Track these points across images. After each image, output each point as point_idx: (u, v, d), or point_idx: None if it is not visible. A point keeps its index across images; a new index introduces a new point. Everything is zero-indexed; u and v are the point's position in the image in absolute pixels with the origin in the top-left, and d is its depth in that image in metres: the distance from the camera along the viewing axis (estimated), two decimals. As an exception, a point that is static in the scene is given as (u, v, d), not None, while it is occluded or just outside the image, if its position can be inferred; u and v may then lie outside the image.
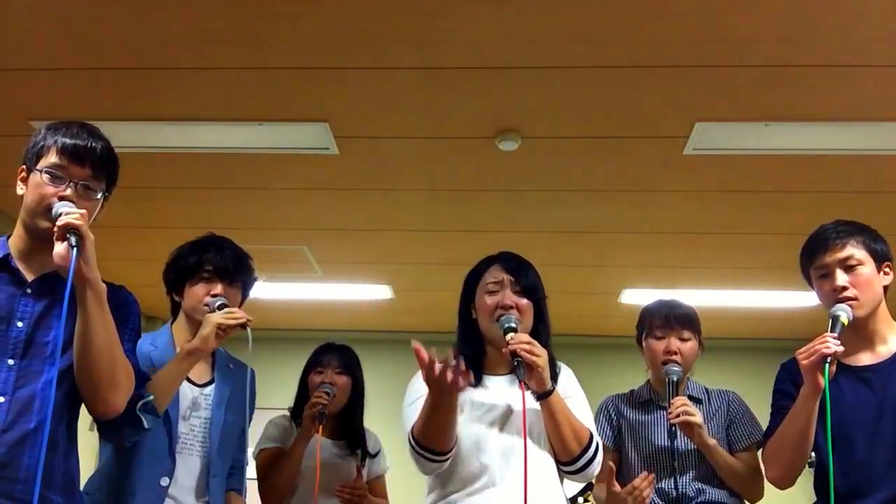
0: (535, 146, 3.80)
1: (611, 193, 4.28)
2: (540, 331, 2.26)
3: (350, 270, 5.60)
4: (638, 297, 5.75)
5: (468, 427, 2.19)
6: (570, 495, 4.54)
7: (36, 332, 1.85)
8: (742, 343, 6.64)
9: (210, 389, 2.49)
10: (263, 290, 5.72)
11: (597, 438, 2.19)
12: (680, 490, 2.54)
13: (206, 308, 2.39)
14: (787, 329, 6.25)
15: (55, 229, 1.77)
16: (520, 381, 2.07)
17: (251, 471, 2.77)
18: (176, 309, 2.53)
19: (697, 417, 2.49)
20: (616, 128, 3.64)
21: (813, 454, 2.24)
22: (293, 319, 6.56)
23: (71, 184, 1.87)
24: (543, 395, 2.12)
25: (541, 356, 2.08)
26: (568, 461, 2.15)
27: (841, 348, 2.08)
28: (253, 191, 4.35)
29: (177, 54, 3.16)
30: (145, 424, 2.04)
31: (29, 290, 1.87)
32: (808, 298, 5.81)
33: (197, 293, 2.43)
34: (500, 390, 2.25)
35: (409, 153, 3.92)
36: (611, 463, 2.44)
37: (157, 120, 3.63)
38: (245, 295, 2.58)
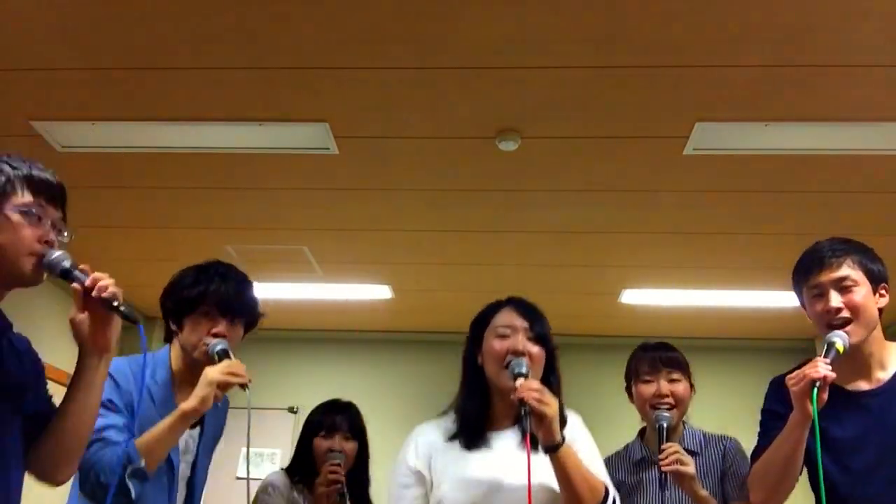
0: (535, 146, 3.80)
1: (611, 193, 4.28)
2: (551, 381, 2.13)
3: (350, 270, 5.60)
4: (638, 297, 5.76)
5: (469, 498, 2.04)
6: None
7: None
8: (742, 343, 6.64)
9: (196, 432, 2.32)
10: (264, 290, 5.72)
11: (613, 492, 2.03)
12: None
13: (205, 348, 2.20)
14: (787, 329, 6.25)
15: (90, 293, 1.66)
16: (525, 434, 1.92)
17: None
18: (170, 335, 2.33)
19: (690, 468, 2.35)
20: (616, 128, 3.64)
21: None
22: (293, 319, 6.56)
23: (50, 225, 1.70)
24: (552, 448, 1.95)
25: (550, 405, 1.93)
26: None
27: (832, 374, 1.98)
28: (253, 191, 4.35)
29: (177, 54, 3.16)
30: (133, 494, 1.96)
31: None
32: (808, 298, 5.81)
33: (198, 331, 2.23)
34: (504, 452, 2.09)
35: (409, 153, 3.92)
36: None
37: (157, 120, 3.63)
38: (248, 329, 2.37)
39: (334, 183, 4.23)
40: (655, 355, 2.58)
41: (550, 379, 2.14)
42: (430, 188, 4.30)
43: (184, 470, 2.28)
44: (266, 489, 2.93)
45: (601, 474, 2.07)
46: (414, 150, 3.90)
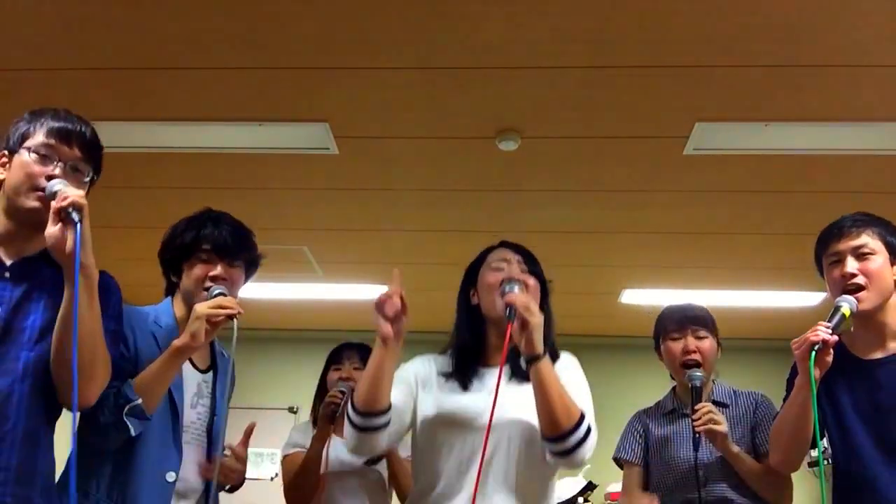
0: (535, 146, 3.80)
1: (611, 193, 4.29)
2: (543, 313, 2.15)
3: (350, 270, 5.60)
4: (638, 297, 5.76)
5: (446, 433, 2.08)
6: (570, 495, 4.48)
7: (14, 317, 1.77)
8: (742, 343, 6.62)
9: (210, 376, 2.31)
10: (264, 290, 5.74)
11: (589, 422, 2.00)
12: (704, 500, 2.48)
13: (204, 294, 2.19)
14: (787, 329, 6.21)
15: (54, 208, 1.71)
16: (507, 322, 1.95)
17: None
18: (171, 288, 2.33)
19: (722, 426, 2.42)
20: (616, 128, 3.64)
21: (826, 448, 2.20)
22: (293, 319, 6.56)
23: (60, 164, 1.83)
24: (532, 359, 1.96)
25: (535, 314, 1.95)
26: (555, 437, 1.95)
27: (833, 337, 2.04)
28: (253, 191, 4.35)
29: (177, 54, 3.16)
30: (132, 431, 1.97)
31: (7, 274, 1.80)
32: (808, 298, 5.82)
33: (195, 274, 2.23)
34: (493, 387, 2.08)
35: (409, 153, 3.93)
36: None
37: (157, 120, 3.63)
38: (250, 273, 2.37)
39: (334, 183, 4.23)
40: (682, 315, 2.66)
41: (542, 309, 2.14)
42: (430, 188, 4.30)
43: (203, 415, 2.25)
44: (290, 432, 3.17)
45: (586, 408, 2.04)
46: (414, 150, 3.90)
